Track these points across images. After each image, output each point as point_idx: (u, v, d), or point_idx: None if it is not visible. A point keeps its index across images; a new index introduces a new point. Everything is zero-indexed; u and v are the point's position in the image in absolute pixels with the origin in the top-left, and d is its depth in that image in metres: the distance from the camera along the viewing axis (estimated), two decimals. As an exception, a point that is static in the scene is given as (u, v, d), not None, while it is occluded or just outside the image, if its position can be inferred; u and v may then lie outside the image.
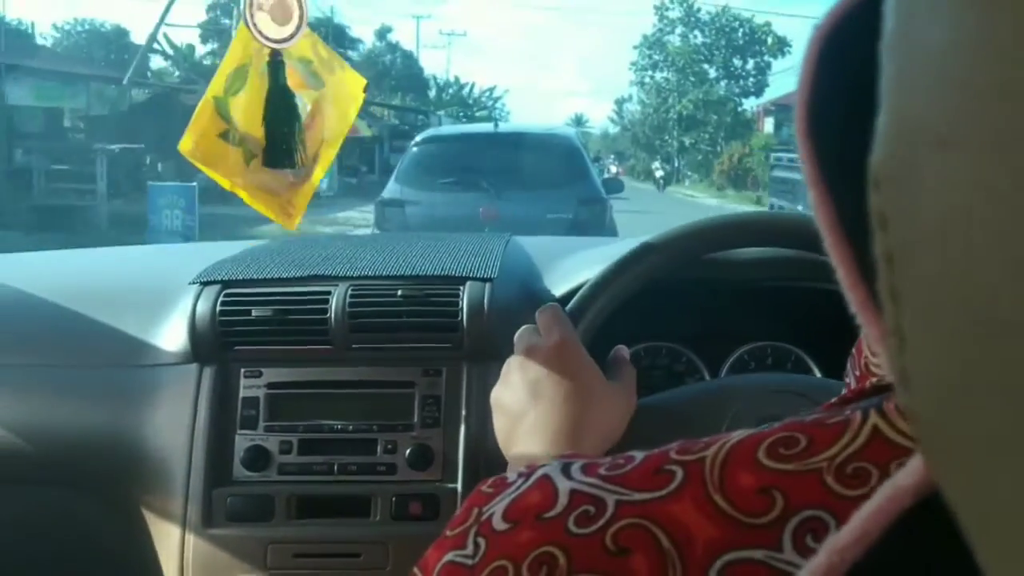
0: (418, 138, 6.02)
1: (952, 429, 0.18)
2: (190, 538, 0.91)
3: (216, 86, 0.77)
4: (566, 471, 0.35)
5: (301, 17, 0.75)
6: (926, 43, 0.17)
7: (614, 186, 6.30)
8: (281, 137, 0.77)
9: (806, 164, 0.28)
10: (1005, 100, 0.15)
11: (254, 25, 0.75)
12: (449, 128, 7.36)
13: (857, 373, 0.41)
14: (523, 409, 0.68)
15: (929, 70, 0.16)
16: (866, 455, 0.29)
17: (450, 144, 5.99)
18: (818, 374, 1.06)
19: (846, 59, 0.26)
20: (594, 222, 5.28)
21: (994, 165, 0.15)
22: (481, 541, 0.34)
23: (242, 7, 0.75)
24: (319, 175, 0.84)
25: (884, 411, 0.30)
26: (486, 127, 6.64)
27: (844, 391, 0.39)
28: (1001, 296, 0.15)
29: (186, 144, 0.77)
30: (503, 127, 6.41)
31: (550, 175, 5.48)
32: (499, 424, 0.71)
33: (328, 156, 0.84)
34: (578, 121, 66.79)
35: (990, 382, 0.16)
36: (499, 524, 0.34)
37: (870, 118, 0.19)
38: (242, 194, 0.79)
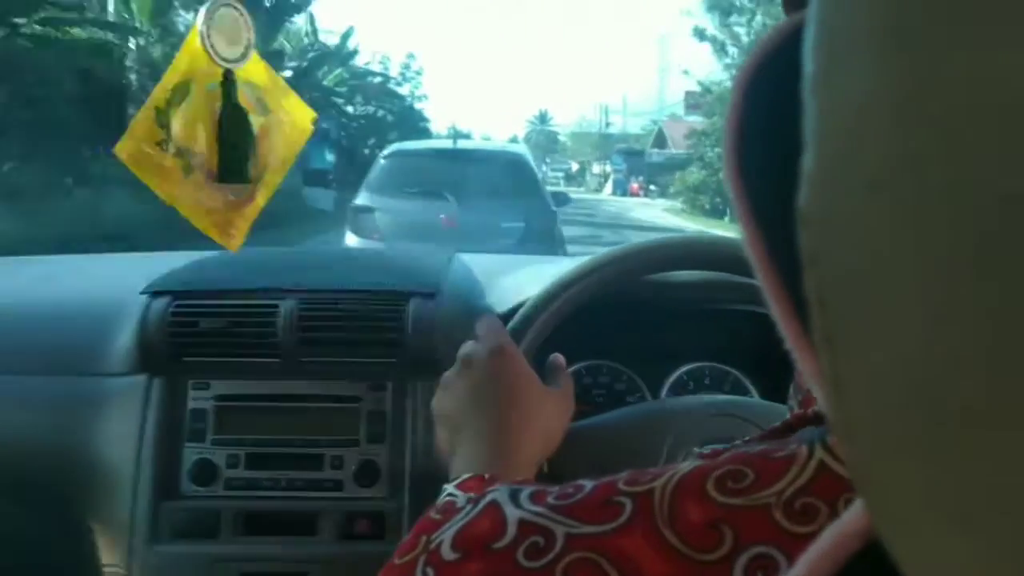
0: (386, 151, 6.66)
1: (892, 482, 0.17)
2: (137, 554, 0.90)
3: (159, 97, 0.78)
4: (514, 498, 0.35)
5: (249, 39, 0.77)
6: (848, 88, 0.16)
7: (562, 199, 7.00)
8: (236, 154, 0.78)
9: (737, 201, 0.28)
10: (930, 146, 0.14)
11: (211, 45, 0.76)
12: (414, 144, 8.37)
13: (800, 397, 0.41)
14: (464, 418, 0.68)
15: (853, 114, 0.16)
16: (814, 490, 0.29)
17: (414, 158, 6.62)
18: (755, 395, 1.07)
19: (772, 97, 0.26)
20: (544, 231, 5.92)
21: (926, 211, 0.15)
22: (430, 571, 0.34)
23: (199, 23, 0.76)
24: (263, 200, 0.84)
25: (829, 445, 0.29)
26: (445, 143, 7.42)
27: (788, 415, 0.39)
28: (934, 348, 0.15)
29: (123, 148, 0.77)
30: (463, 144, 7.34)
31: (504, 188, 6.09)
32: (441, 434, 0.71)
33: (273, 182, 0.85)
34: (542, 119, 64.27)
35: (926, 436, 0.16)
36: (448, 554, 0.34)
37: (796, 157, 0.18)
38: (181, 208, 0.80)
